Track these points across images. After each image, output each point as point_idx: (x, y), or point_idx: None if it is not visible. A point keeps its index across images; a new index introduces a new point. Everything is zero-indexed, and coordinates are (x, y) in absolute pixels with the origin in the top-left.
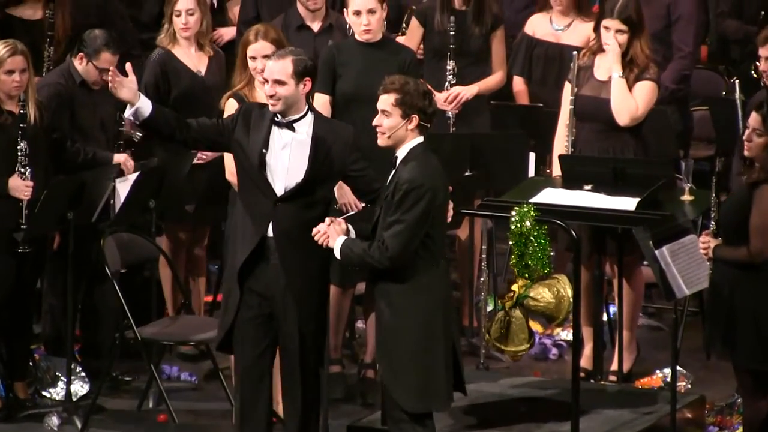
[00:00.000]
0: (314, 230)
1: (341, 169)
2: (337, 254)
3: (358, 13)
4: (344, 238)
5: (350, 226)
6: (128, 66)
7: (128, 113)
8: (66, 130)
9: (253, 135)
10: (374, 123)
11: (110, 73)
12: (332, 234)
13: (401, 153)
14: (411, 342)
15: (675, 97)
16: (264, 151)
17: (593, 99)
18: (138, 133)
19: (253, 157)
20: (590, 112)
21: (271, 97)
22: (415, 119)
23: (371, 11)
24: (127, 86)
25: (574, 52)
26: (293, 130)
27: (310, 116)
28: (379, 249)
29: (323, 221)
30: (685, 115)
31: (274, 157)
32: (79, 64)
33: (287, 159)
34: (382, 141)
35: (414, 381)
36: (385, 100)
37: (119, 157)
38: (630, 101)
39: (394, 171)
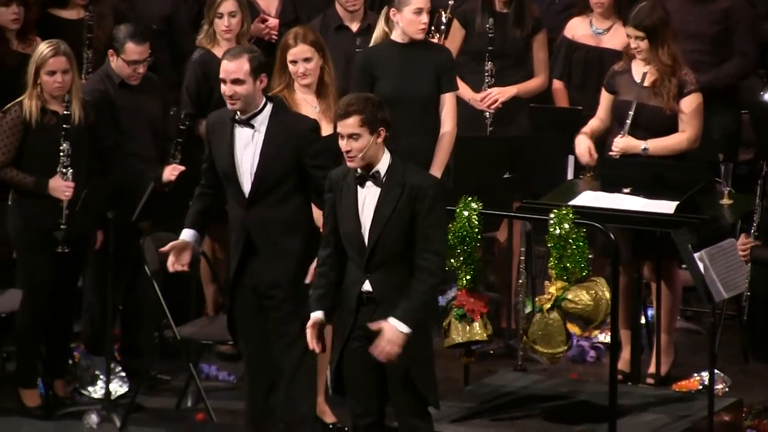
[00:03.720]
0: (378, 353)
1: (298, 162)
2: (407, 331)
3: (419, 11)
4: (393, 320)
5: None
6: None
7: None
8: (112, 137)
9: (220, 141)
10: (344, 149)
11: (169, 264)
12: (389, 339)
13: (382, 167)
14: (430, 341)
15: (725, 96)
16: (231, 153)
17: (637, 104)
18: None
19: (223, 163)
20: (633, 117)
21: (231, 97)
22: (383, 132)
23: (428, 11)
24: (186, 253)
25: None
26: (252, 127)
27: (267, 110)
28: (426, 275)
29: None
30: (736, 118)
31: (240, 157)
32: (113, 62)
33: (251, 157)
34: (355, 163)
35: (434, 380)
36: (351, 124)
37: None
38: (677, 143)
39: (383, 183)
